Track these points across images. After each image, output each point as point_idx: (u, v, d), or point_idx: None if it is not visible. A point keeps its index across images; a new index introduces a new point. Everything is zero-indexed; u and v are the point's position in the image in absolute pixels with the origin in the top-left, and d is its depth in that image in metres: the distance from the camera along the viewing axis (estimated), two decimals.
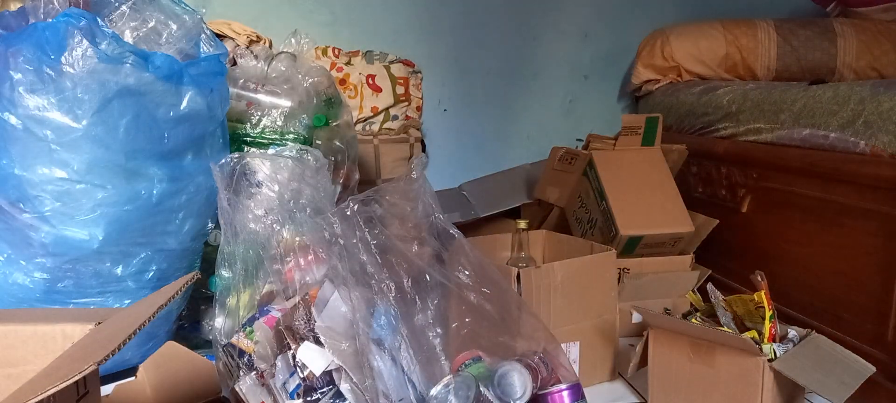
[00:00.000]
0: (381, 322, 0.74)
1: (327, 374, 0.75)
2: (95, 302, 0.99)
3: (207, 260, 1.11)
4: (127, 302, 1.01)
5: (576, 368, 1.01)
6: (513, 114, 2.00)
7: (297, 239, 0.85)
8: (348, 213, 0.79)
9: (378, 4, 1.85)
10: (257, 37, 1.57)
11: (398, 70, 1.73)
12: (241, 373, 0.81)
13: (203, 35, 1.07)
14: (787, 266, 1.22)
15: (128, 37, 1.01)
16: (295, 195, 0.89)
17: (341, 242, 0.78)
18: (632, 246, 1.27)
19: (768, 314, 0.90)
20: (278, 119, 1.25)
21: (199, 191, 1.04)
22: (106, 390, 0.87)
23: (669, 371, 0.93)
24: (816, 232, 1.17)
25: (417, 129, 1.73)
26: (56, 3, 0.95)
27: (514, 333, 0.82)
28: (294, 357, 0.77)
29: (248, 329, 0.82)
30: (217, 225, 0.96)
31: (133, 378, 0.87)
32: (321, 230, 0.79)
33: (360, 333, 0.74)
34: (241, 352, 0.81)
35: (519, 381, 0.75)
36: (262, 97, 1.26)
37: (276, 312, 0.82)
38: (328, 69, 1.55)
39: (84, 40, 0.90)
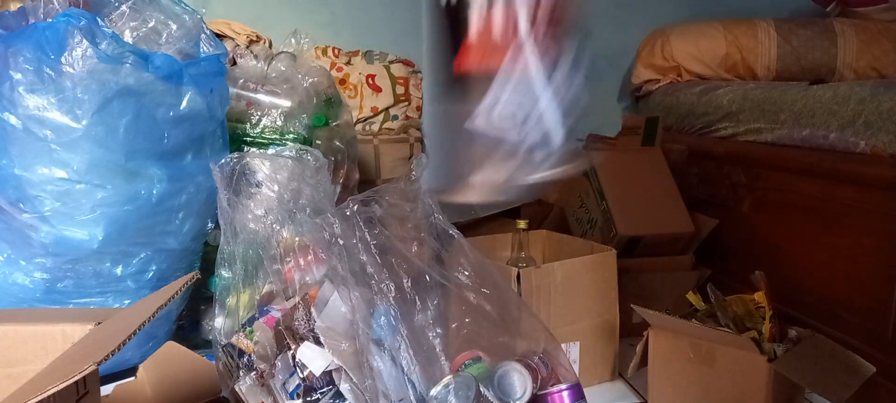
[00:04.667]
0: (380, 322, 0.74)
1: (327, 374, 0.75)
2: (95, 302, 0.99)
3: (207, 260, 1.11)
4: (127, 302, 1.01)
5: (576, 368, 1.01)
6: None
7: (297, 239, 0.85)
8: (348, 213, 0.79)
9: (378, 4, 1.85)
10: (257, 37, 1.57)
11: (398, 70, 1.73)
12: (241, 373, 0.81)
13: (203, 35, 1.07)
14: (787, 266, 1.22)
15: (127, 37, 1.01)
16: (295, 195, 0.89)
17: (341, 242, 0.78)
18: (632, 247, 1.27)
19: (768, 314, 0.90)
20: (278, 119, 1.25)
21: (198, 190, 1.04)
22: (106, 390, 0.87)
23: (670, 372, 0.93)
24: (816, 232, 1.17)
25: (417, 129, 1.73)
26: (56, 3, 0.95)
27: (514, 333, 0.82)
28: (294, 357, 0.77)
29: (248, 329, 0.82)
30: (217, 226, 0.96)
31: (133, 378, 0.87)
32: (321, 230, 0.79)
33: (359, 333, 0.74)
34: (241, 352, 0.81)
35: (519, 381, 0.75)
36: (261, 97, 1.26)
37: (275, 312, 0.82)
38: (328, 69, 1.55)
39: (84, 40, 0.90)
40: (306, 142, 1.26)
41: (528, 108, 0.29)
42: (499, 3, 0.28)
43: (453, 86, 0.30)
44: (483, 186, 0.30)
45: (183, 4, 1.05)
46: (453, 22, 0.29)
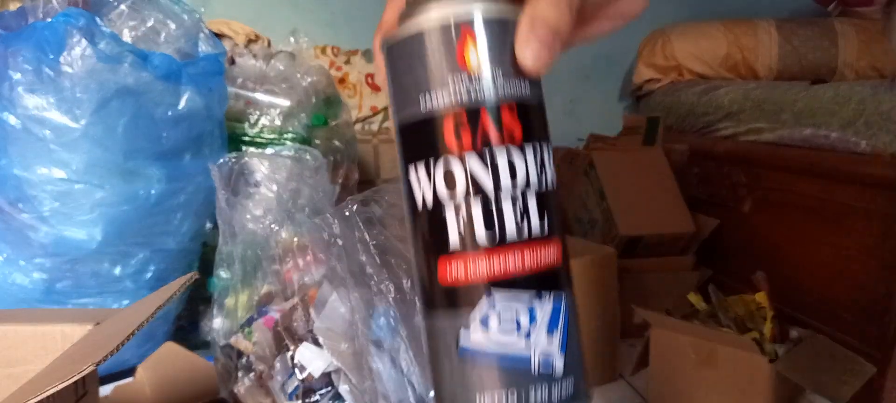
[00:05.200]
0: (380, 323, 0.74)
1: (326, 376, 0.75)
2: (94, 302, 0.99)
3: (206, 260, 1.11)
4: (125, 302, 1.01)
5: None
6: None
7: (296, 239, 0.85)
8: (347, 213, 0.79)
9: (377, 3, 1.84)
10: (256, 36, 1.57)
11: None
12: (240, 374, 0.80)
13: (201, 34, 1.07)
14: (787, 266, 1.22)
15: (126, 36, 1.00)
16: (293, 195, 0.88)
17: (340, 243, 0.77)
18: (632, 247, 1.27)
19: (769, 314, 0.90)
20: (277, 118, 1.24)
21: (197, 190, 1.03)
22: (105, 390, 0.87)
23: (670, 372, 0.93)
24: (817, 232, 1.16)
25: None
26: (55, 3, 0.95)
27: None
28: (292, 358, 0.76)
29: (247, 329, 0.82)
30: (215, 226, 0.96)
31: (131, 378, 0.86)
32: (320, 230, 0.79)
33: (359, 334, 0.73)
34: (240, 353, 0.81)
35: None
36: (260, 96, 1.26)
37: (274, 313, 0.82)
38: (327, 68, 1.55)
39: (83, 40, 0.90)
40: (305, 141, 1.25)
41: (529, 308, 0.25)
42: (477, 204, 0.25)
43: (441, 299, 0.27)
44: None
45: (182, 4, 1.05)
46: (433, 227, 0.26)
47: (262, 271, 0.85)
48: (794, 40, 1.77)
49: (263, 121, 1.24)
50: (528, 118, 0.27)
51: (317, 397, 0.74)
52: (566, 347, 0.26)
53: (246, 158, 0.90)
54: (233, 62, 1.34)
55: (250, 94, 1.26)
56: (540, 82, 0.28)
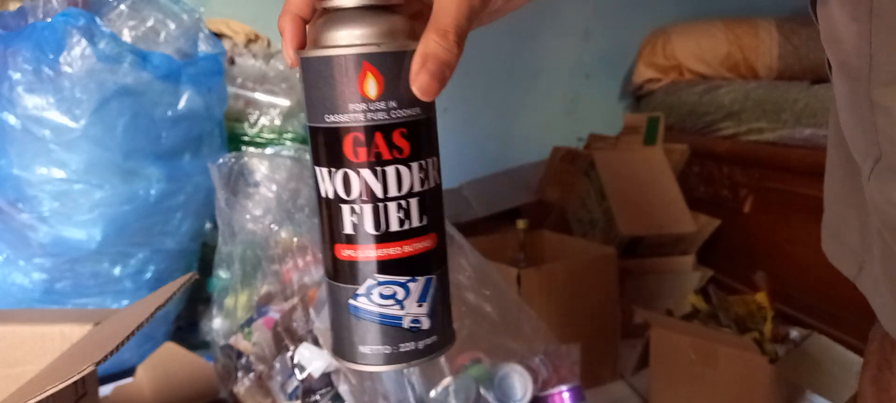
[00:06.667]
0: None
1: (326, 375, 0.75)
2: (93, 302, 0.99)
3: (205, 260, 1.11)
4: (125, 302, 1.01)
5: (576, 369, 1.01)
6: (513, 114, 1.99)
7: (296, 239, 0.85)
8: None
9: None
10: (256, 35, 1.56)
11: None
12: (240, 374, 0.80)
13: (201, 34, 1.07)
14: (788, 266, 1.22)
15: (126, 36, 1.00)
16: (293, 195, 0.88)
17: None
18: (633, 247, 1.27)
19: (770, 315, 0.90)
20: (276, 118, 1.24)
21: (197, 190, 1.03)
22: (104, 391, 0.87)
23: (671, 373, 0.93)
24: (818, 232, 1.16)
25: None
26: (55, 3, 0.95)
27: (515, 334, 0.81)
28: (292, 358, 0.76)
29: (247, 330, 0.82)
30: (215, 226, 0.96)
31: (131, 378, 0.86)
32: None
33: None
34: (240, 353, 0.81)
35: (519, 383, 0.74)
36: (260, 96, 1.26)
37: (274, 313, 0.82)
38: None
39: (82, 40, 0.90)
40: (305, 141, 1.25)
41: (404, 284, 0.33)
42: (368, 207, 0.31)
43: (337, 271, 0.33)
44: (373, 356, 0.34)
45: (181, 3, 1.05)
46: (333, 216, 0.32)
47: (261, 271, 0.84)
48: (795, 39, 1.77)
49: (263, 120, 1.24)
50: (417, 137, 0.32)
51: (317, 397, 0.74)
52: (433, 312, 0.33)
53: (245, 158, 0.90)
54: (232, 62, 1.34)
55: (250, 94, 1.26)
56: (433, 102, 0.33)
